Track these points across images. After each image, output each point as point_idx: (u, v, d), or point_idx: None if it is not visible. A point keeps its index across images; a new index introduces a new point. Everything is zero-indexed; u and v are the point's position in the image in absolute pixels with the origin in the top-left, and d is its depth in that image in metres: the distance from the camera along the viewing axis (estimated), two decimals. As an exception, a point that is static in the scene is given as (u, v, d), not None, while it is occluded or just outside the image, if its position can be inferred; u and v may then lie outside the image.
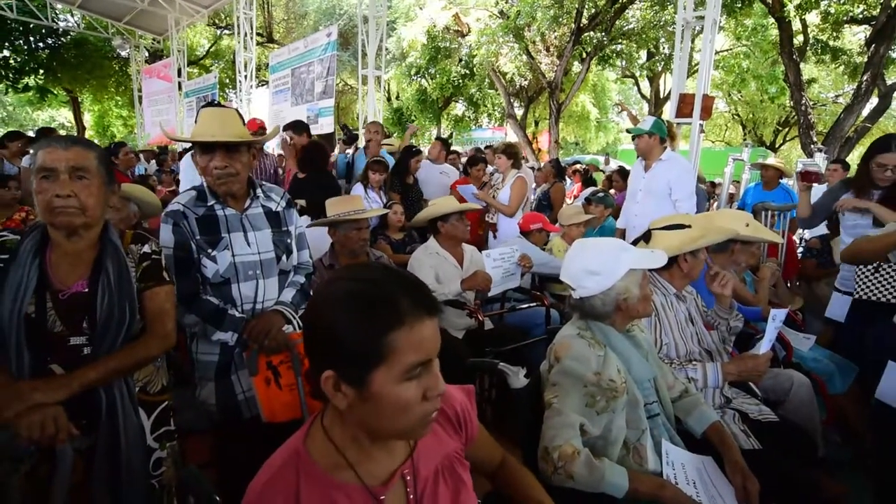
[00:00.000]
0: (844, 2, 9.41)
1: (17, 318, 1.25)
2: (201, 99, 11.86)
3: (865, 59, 9.73)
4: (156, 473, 1.46)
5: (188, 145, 3.85)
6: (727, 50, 14.52)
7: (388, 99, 17.82)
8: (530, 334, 2.98)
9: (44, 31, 15.18)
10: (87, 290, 1.34)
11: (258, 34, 14.12)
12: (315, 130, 8.29)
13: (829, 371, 2.38)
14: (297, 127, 4.46)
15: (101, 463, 1.32)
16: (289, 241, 1.87)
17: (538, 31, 12.35)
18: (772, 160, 4.94)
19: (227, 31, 18.08)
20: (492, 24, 13.32)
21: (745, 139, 18.21)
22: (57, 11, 14.45)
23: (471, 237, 3.24)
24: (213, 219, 1.73)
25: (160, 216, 1.84)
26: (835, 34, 10.88)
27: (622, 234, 3.70)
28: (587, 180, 7.25)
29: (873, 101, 10.11)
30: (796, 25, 10.35)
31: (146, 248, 1.48)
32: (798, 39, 10.76)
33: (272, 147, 7.54)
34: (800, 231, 4.82)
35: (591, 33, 12.24)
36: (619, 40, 13.32)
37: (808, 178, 2.85)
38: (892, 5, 8.66)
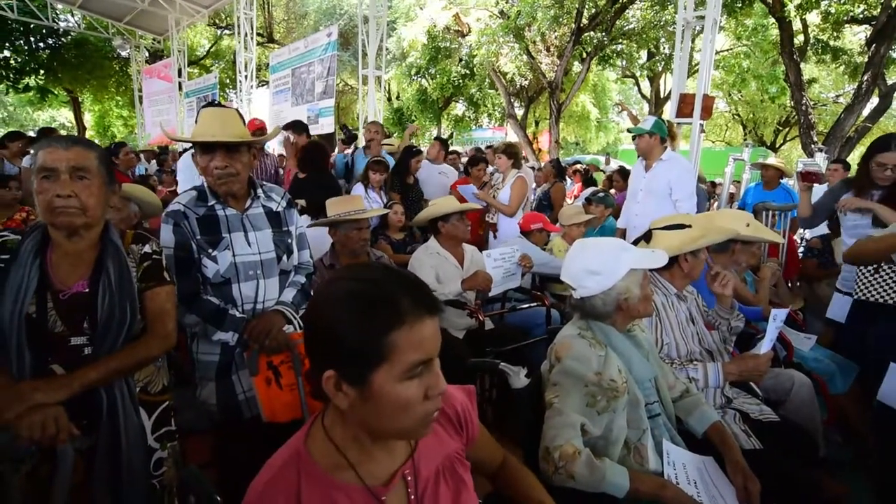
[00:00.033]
0: (845, 2, 9.41)
1: (17, 319, 1.25)
2: (202, 99, 11.87)
3: (866, 59, 9.72)
4: (157, 473, 1.46)
5: (188, 145, 3.85)
6: (727, 50, 14.51)
7: (389, 99, 17.82)
8: (531, 334, 2.98)
9: (44, 31, 15.19)
10: (87, 290, 1.34)
11: (258, 34, 14.12)
12: (315, 130, 8.30)
13: (830, 371, 2.38)
14: (297, 127, 4.47)
15: (102, 463, 1.32)
16: (289, 240, 1.87)
17: (538, 31, 12.35)
18: (772, 160, 4.93)
19: (227, 32, 18.09)
20: (492, 24, 13.31)
21: (745, 139, 18.21)
22: (57, 12, 14.47)
23: (471, 237, 3.24)
24: (213, 219, 1.73)
25: (161, 216, 1.84)
26: (835, 34, 10.87)
27: (622, 234, 3.70)
28: (587, 180, 7.25)
29: (874, 100, 10.11)
30: (797, 25, 10.34)
31: (147, 249, 1.48)
32: (798, 39, 10.75)
33: (273, 147, 7.55)
34: (800, 231, 4.82)
35: (592, 33, 12.23)
36: (620, 40, 13.31)
37: (808, 178, 2.85)
38: (893, 5, 8.65)
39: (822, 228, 3.83)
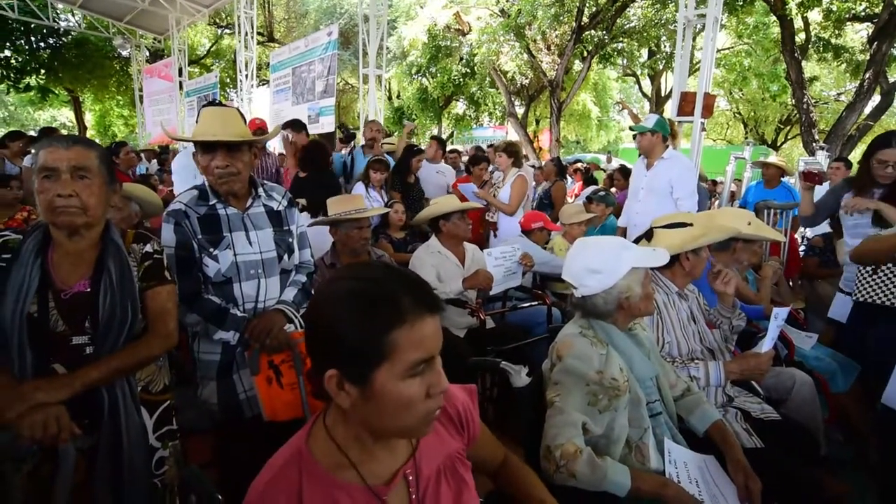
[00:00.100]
0: (846, -1, 9.40)
1: (19, 318, 1.25)
2: (202, 98, 11.87)
3: (867, 57, 9.70)
4: (158, 473, 1.46)
5: (186, 145, 3.85)
6: (729, 48, 14.49)
7: (389, 98, 17.80)
8: (532, 333, 2.98)
9: (45, 30, 15.20)
10: (89, 289, 1.34)
11: (259, 33, 14.11)
12: (316, 129, 8.30)
13: (831, 370, 2.38)
14: (296, 125, 4.47)
15: (104, 462, 1.32)
16: (290, 240, 1.88)
17: (539, 30, 12.33)
18: (773, 158, 4.92)
19: (227, 31, 18.09)
20: (493, 22, 13.29)
21: (746, 137, 18.18)
22: (58, 11, 14.47)
23: (472, 236, 3.24)
24: (214, 218, 1.73)
25: (162, 215, 1.84)
26: (837, 32, 10.84)
27: (623, 233, 3.69)
28: (588, 179, 7.25)
29: (875, 98, 10.09)
30: (798, 23, 10.32)
31: (148, 248, 1.48)
32: (800, 37, 10.73)
33: (273, 146, 7.55)
34: (802, 229, 4.81)
35: (592, 32, 12.21)
36: (621, 38, 13.29)
37: (810, 178, 2.83)
38: (895, 3, 8.63)
39: (824, 227, 3.82)
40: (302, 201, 3.23)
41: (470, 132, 20.04)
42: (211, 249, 1.70)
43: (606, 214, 4.46)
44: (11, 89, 15.89)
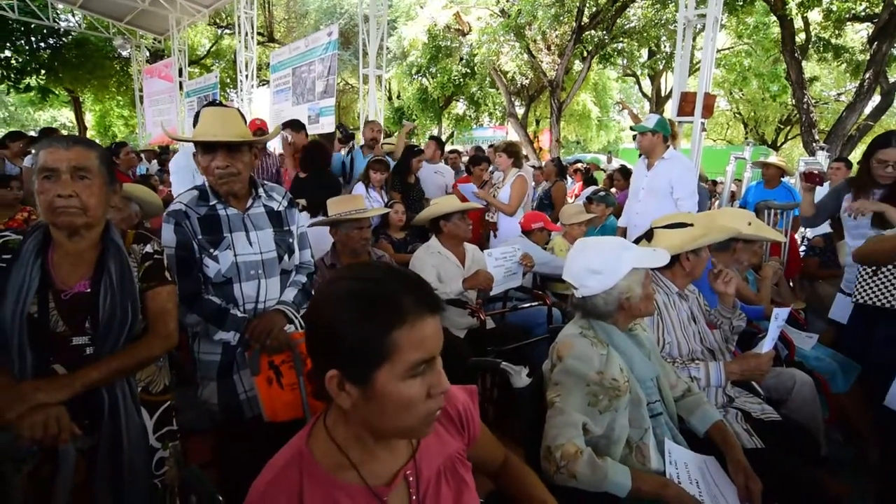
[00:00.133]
0: (846, -1, 9.39)
1: (19, 319, 1.25)
2: (202, 99, 11.87)
3: (868, 57, 9.70)
4: (158, 473, 1.46)
5: (184, 145, 3.84)
6: (729, 48, 14.49)
7: (389, 98, 17.81)
8: (532, 333, 2.98)
9: (45, 31, 15.19)
10: (89, 290, 1.34)
11: (259, 34, 14.12)
12: (316, 130, 8.30)
13: (831, 370, 2.38)
14: (295, 125, 4.47)
15: (104, 463, 1.32)
16: (290, 240, 1.88)
17: (539, 30, 12.33)
18: (773, 159, 4.92)
19: (227, 31, 18.09)
20: (493, 22, 13.29)
21: (746, 138, 18.18)
22: (58, 11, 14.48)
23: (472, 236, 3.24)
24: (215, 218, 1.73)
25: (162, 216, 1.84)
26: (837, 32, 10.84)
27: (623, 233, 3.69)
28: (588, 179, 7.25)
29: (876, 98, 10.09)
30: (798, 23, 10.32)
31: (148, 248, 1.48)
32: (800, 37, 10.73)
33: (274, 146, 7.55)
34: (802, 230, 4.82)
35: (593, 32, 12.21)
36: (621, 39, 13.29)
37: (811, 179, 2.83)
38: (895, 3, 8.62)
39: (824, 227, 3.82)
40: (302, 202, 3.23)
41: (470, 132, 20.03)
42: (211, 250, 1.70)
43: (606, 215, 4.46)
44: (12, 90, 15.90)
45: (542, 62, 13.19)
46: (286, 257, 1.85)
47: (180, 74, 13.10)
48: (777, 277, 3.08)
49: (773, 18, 10.19)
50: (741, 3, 10.13)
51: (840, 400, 2.39)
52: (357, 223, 2.57)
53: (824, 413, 2.23)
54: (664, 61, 14.83)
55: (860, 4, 9.44)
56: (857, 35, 13.23)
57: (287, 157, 4.35)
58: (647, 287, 1.50)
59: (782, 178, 4.68)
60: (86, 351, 1.33)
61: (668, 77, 16.42)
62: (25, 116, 26.17)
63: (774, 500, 1.42)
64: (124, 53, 16.64)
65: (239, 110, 1.93)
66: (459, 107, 18.86)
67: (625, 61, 15.87)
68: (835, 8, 9.56)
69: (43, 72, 16.20)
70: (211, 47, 19.34)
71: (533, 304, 3.19)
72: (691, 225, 2.04)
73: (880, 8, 9.04)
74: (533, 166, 6.76)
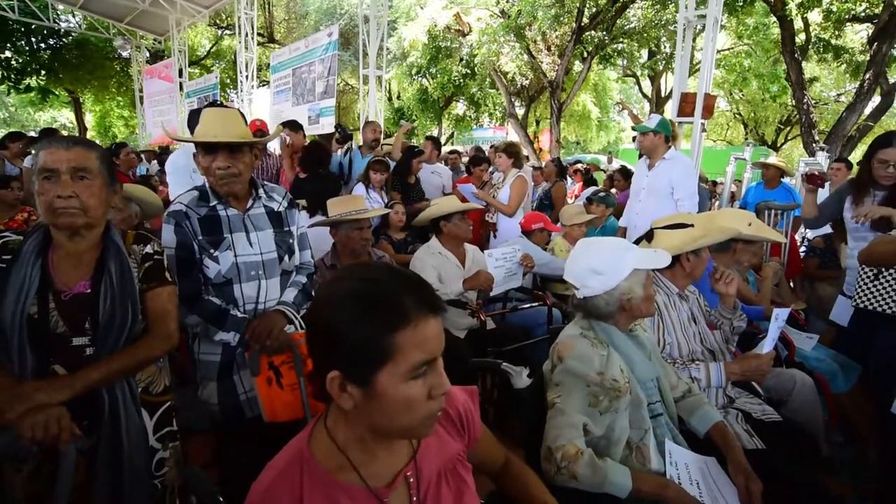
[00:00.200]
0: (846, 0, 9.38)
1: (19, 319, 1.25)
2: (203, 99, 11.87)
3: (868, 58, 9.71)
4: (158, 474, 1.45)
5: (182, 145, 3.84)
6: (729, 49, 14.50)
7: (389, 99, 17.81)
8: (532, 334, 2.98)
9: (45, 31, 15.19)
10: (89, 290, 1.34)
11: (259, 34, 14.11)
12: (317, 130, 8.31)
13: (832, 370, 2.38)
14: (293, 125, 4.47)
15: (104, 463, 1.32)
16: (291, 241, 1.87)
17: (539, 31, 12.33)
18: (773, 159, 4.93)
19: (228, 32, 18.09)
20: (493, 23, 13.30)
21: (746, 138, 18.19)
22: (58, 12, 14.47)
23: (473, 237, 3.24)
24: (215, 219, 1.73)
25: (162, 216, 1.84)
26: (837, 32, 10.84)
27: (624, 233, 3.69)
28: (588, 180, 7.25)
29: (875, 99, 10.09)
30: (798, 24, 10.32)
31: (148, 249, 1.47)
32: (800, 38, 10.73)
33: (274, 147, 7.55)
34: (802, 230, 4.82)
35: (593, 32, 12.22)
36: (621, 39, 13.29)
37: (813, 180, 2.82)
38: (895, 3, 8.63)
39: (825, 228, 3.82)
40: (302, 202, 3.23)
41: (470, 133, 20.04)
42: (211, 250, 1.70)
43: (606, 215, 4.46)
44: (12, 90, 15.90)
45: (542, 63, 13.20)
46: (286, 258, 1.85)
47: (180, 75, 13.10)
48: (777, 278, 3.09)
49: (773, 19, 10.20)
50: (741, 4, 10.14)
51: (840, 400, 2.39)
52: (357, 224, 2.56)
53: (825, 414, 2.23)
54: (664, 62, 14.83)
55: (860, 5, 9.45)
56: (856, 36, 13.24)
57: (285, 157, 4.34)
58: (648, 288, 1.51)
59: (782, 179, 4.68)
60: (86, 351, 1.33)
61: (668, 78, 16.43)
62: (26, 117, 26.19)
63: (774, 501, 1.42)
64: (124, 54, 16.61)
65: (240, 111, 1.93)
66: (459, 107, 18.87)
67: (625, 62, 15.88)
68: (835, 8, 9.56)
69: (43, 72, 16.20)
70: (211, 48, 19.35)
71: (533, 304, 3.18)
72: (691, 225, 2.04)
73: (880, 9, 9.05)
74: (533, 167, 6.75)
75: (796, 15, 9.48)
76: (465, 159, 6.43)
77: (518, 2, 12.46)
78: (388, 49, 11.25)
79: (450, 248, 2.93)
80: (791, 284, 3.94)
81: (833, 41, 11.04)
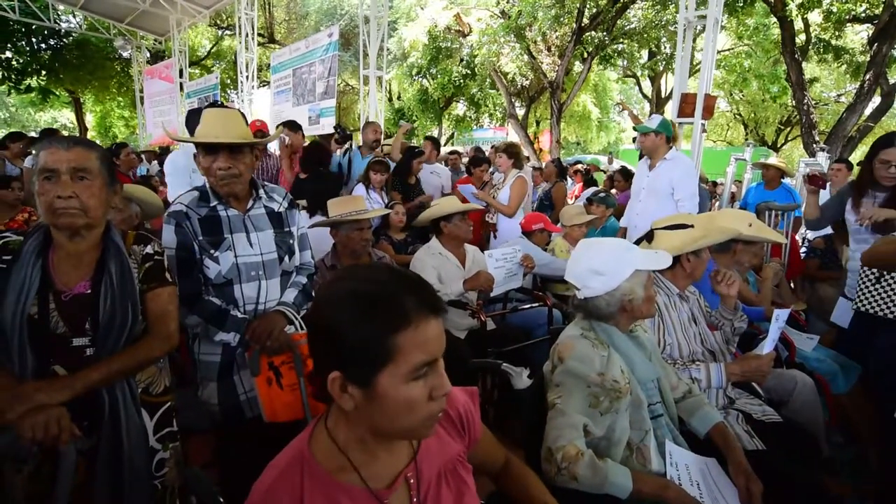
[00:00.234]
0: (846, 1, 9.39)
1: (20, 320, 1.25)
2: (203, 99, 11.88)
3: (868, 58, 9.71)
4: (158, 474, 1.45)
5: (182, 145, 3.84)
6: (729, 49, 14.50)
7: (390, 99, 17.83)
8: (533, 335, 2.98)
9: (46, 32, 15.20)
10: (89, 291, 1.34)
11: (259, 35, 14.13)
12: (317, 130, 8.32)
13: (832, 371, 2.37)
14: (291, 125, 4.47)
15: (104, 464, 1.32)
16: (291, 241, 1.87)
17: (539, 31, 12.34)
18: (773, 160, 4.92)
19: (228, 32, 18.11)
20: (493, 23, 13.31)
21: (746, 139, 18.19)
22: (59, 12, 14.49)
23: (473, 237, 3.24)
24: (215, 219, 1.73)
25: (162, 217, 1.84)
26: (837, 33, 10.85)
27: (624, 233, 3.69)
28: (588, 180, 7.25)
29: (876, 100, 10.09)
30: (798, 24, 10.33)
31: (148, 249, 1.47)
32: (800, 38, 10.74)
33: (274, 147, 7.55)
34: (802, 231, 4.81)
35: (593, 33, 12.23)
36: (621, 40, 13.30)
37: (815, 181, 2.81)
38: (895, 4, 8.63)
39: (826, 228, 3.81)
40: (302, 202, 3.23)
41: (470, 133, 20.05)
42: (212, 251, 1.70)
43: (607, 216, 4.46)
44: (12, 90, 15.91)
45: (542, 63, 13.21)
46: (287, 258, 1.85)
47: (181, 75, 13.11)
48: (778, 279, 3.08)
49: (774, 20, 10.20)
50: (741, 5, 10.14)
51: (841, 401, 2.39)
52: (357, 224, 2.57)
53: (825, 414, 2.23)
54: (664, 62, 14.84)
55: (860, 6, 9.45)
56: (857, 36, 13.24)
57: (283, 157, 4.34)
58: (648, 289, 1.50)
59: (782, 180, 4.68)
60: (86, 352, 1.33)
61: (669, 78, 16.44)
62: (26, 117, 26.21)
63: (775, 502, 1.42)
64: (125, 54, 16.67)
65: (241, 111, 1.93)
66: (460, 108, 18.88)
67: (625, 62, 15.89)
68: (835, 9, 9.57)
69: (44, 73, 16.21)
70: (211, 48, 19.36)
71: (533, 305, 3.18)
72: (691, 226, 2.04)
73: (880, 9, 9.05)
74: (533, 167, 6.76)
75: (796, 15, 9.48)
76: (465, 160, 6.42)
77: (518, 2, 12.47)
78: (388, 49, 11.26)
79: (450, 248, 2.93)
80: (791, 285, 3.94)
81: (833, 42, 11.05)
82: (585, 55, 12.86)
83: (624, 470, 1.32)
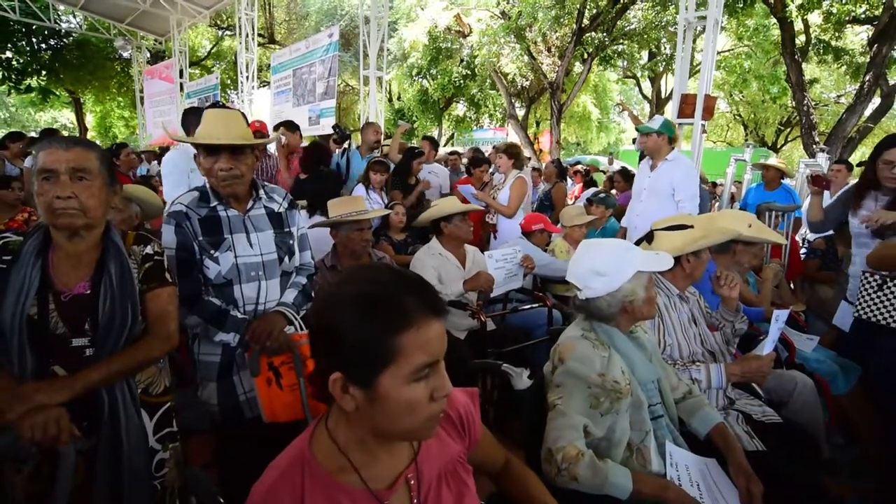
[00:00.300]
0: (846, 2, 9.39)
1: (19, 320, 1.25)
2: (203, 100, 11.88)
3: (868, 60, 9.71)
4: (158, 475, 1.45)
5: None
6: (729, 50, 14.51)
7: (390, 100, 17.83)
8: (533, 335, 2.98)
9: (46, 32, 15.21)
10: (89, 291, 1.34)
11: (260, 35, 14.14)
12: (317, 131, 8.32)
13: (832, 372, 2.37)
14: (290, 125, 4.47)
15: (104, 464, 1.32)
16: (291, 242, 1.87)
17: (539, 32, 12.35)
18: (773, 161, 4.92)
19: (228, 32, 18.13)
20: (493, 24, 13.32)
21: (746, 139, 18.20)
22: (59, 13, 14.50)
23: (473, 238, 3.24)
24: (215, 220, 1.73)
25: (162, 217, 1.84)
26: (837, 34, 10.86)
27: (624, 234, 3.69)
28: (587, 181, 7.25)
29: (876, 101, 10.10)
30: (798, 25, 10.33)
31: (148, 250, 1.47)
32: (800, 39, 10.74)
33: (273, 148, 7.55)
34: (802, 231, 4.81)
35: (593, 34, 12.23)
36: (621, 41, 13.30)
37: (819, 182, 2.80)
38: (895, 5, 8.64)
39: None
40: (302, 202, 3.23)
41: (470, 134, 20.06)
42: (212, 251, 1.70)
43: (607, 217, 4.46)
44: (13, 90, 15.91)
45: (542, 64, 13.21)
46: (286, 259, 1.85)
47: (181, 76, 13.12)
48: (778, 279, 3.08)
49: (774, 21, 10.20)
50: (741, 6, 10.14)
51: (841, 402, 2.38)
52: (357, 224, 2.57)
53: (825, 415, 2.22)
54: (664, 63, 14.85)
55: (860, 7, 9.46)
56: (857, 37, 13.25)
57: (280, 157, 4.34)
58: (649, 290, 1.50)
59: (782, 180, 4.68)
60: (86, 352, 1.33)
61: (669, 79, 16.45)
62: (26, 117, 26.21)
63: (775, 503, 1.42)
64: (125, 55, 16.67)
65: (241, 112, 1.93)
66: (460, 108, 18.88)
67: (625, 63, 15.90)
68: (835, 10, 9.57)
69: (44, 73, 16.21)
70: (212, 49, 19.37)
71: (533, 305, 3.18)
72: (691, 227, 2.04)
73: (880, 10, 9.05)
74: (533, 168, 6.76)
75: (796, 16, 9.49)
76: (465, 160, 6.42)
77: (518, 3, 12.47)
78: (388, 50, 11.26)
79: (450, 249, 2.93)
80: (791, 286, 3.94)
81: (833, 43, 11.05)
82: (585, 56, 12.85)
83: (624, 471, 1.32)
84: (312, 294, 1.92)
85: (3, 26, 13.85)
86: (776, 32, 10.56)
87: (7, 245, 1.31)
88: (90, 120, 21.11)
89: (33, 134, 8.14)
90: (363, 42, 8.51)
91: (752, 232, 2.33)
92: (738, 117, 19.88)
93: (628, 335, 1.53)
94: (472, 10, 13.84)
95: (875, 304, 2.25)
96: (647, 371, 1.50)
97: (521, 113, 15.79)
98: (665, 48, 14.07)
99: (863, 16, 9.76)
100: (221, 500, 1.07)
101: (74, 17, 16.07)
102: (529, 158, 9.56)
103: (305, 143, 5.09)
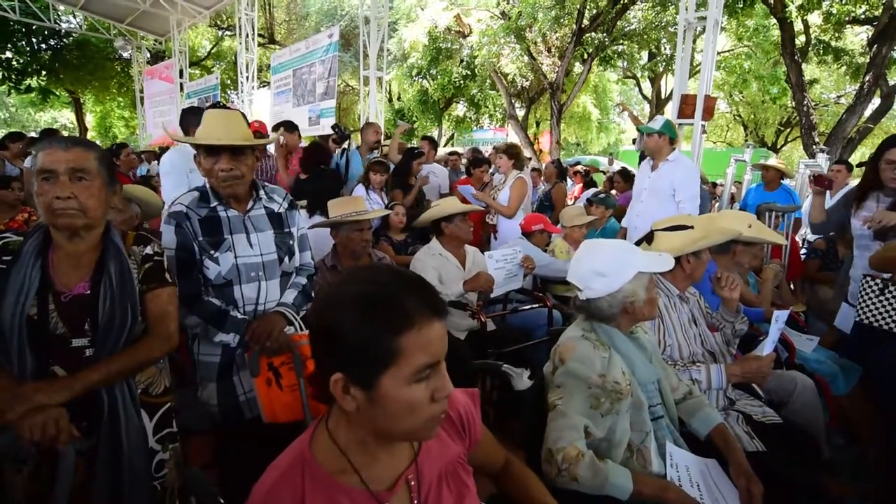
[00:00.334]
0: (846, 2, 9.39)
1: (19, 320, 1.25)
2: (203, 100, 11.87)
3: (867, 60, 9.71)
4: (158, 475, 1.45)
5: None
6: (729, 51, 14.51)
7: (390, 100, 17.83)
8: (533, 335, 2.98)
9: (46, 32, 15.20)
10: (89, 291, 1.34)
11: (260, 35, 14.14)
12: (317, 131, 8.32)
13: (832, 372, 2.37)
14: (289, 126, 4.47)
15: (104, 465, 1.32)
16: (291, 242, 1.87)
17: (539, 32, 12.34)
18: (773, 161, 4.92)
19: (228, 33, 18.12)
20: (493, 24, 13.31)
21: (746, 140, 18.20)
22: (59, 13, 14.50)
23: (473, 238, 3.24)
24: (215, 220, 1.73)
25: (162, 217, 1.83)
26: (837, 35, 10.85)
27: (624, 234, 3.69)
28: (587, 182, 7.25)
29: (875, 101, 10.10)
30: (798, 26, 10.33)
31: (148, 250, 1.47)
32: (800, 40, 10.74)
33: (271, 148, 7.55)
34: (802, 232, 4.81)
35: (593, 34, 12.22)
36: (621, 41, 13.29)
37: (821, 182, 2.80)
38: (895, 6, 8.64)
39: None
40: (302, 202, 3.23)
41: (470, 134, 20.06)
42: (212, 251, 1.70)
43: (607, 217, 4.46)
44: (12, 90, 15.90)
45: (542, 64, 13.21)
46: (286, 259, 1.85)
47: (181, 76, 13.11)
48: (778, 280, 3.08)
49: (773, 21, 10.20)
50: (741, 6, 10.14)
51: (841, 402, 2.38)
52: (357, 225, 2.57)
53: (825, 416, 2.22)
54: (664, 64, 14.84)
55: (860, 7, 9.45)
56: (856, 38, 13.25)
57: (279, 157, 4.33)
58: (650, 291, 1.50)
59: (782, 181, 4.68)
60: (85, 353, 1.33)
61: (669, 79, 16.44)
62: (26, 117, 26.21)
63: (775, 503, 1.42)
64: (125, 55, 16.67)
65: (242, 112, 1.93)
66: (460, 109, 18.88)
67: (625, 63, 15.90)
68: (835, 11, 9.57)
69: (44, 73, 16.20)
70: (212, 49, 19.37)
71: (534, 306, 3.18)
72: (691, 227, 2.04)
73: (880, 11, 9.06)
74: (533, 168, 6.76)
75: (796, 17, 9.49)
76: (465, 160, 6.42)
77: (518, 3, 12.47)
78: (388, 50, 11.26)
79: (450, 249, 2.93)
80: (791, 286, 3.94)
81: (833, 43, 11.05)
82: (585, 56, 12.85)
83: (624, 471, 1.32)
84: (312, 294, 1.92)
85: (3, 26, 13.84)
86: (776, 33, 10.56)
87: (7, 245, 1.31)
88: (90, 120, 21.11)
89: (33, 134, 8.14)
90: (363, 42, 8.51)
91: (752, 232, 2.33)
92: (737, 118, 19.89)
93: (629, 336, 1.53)
94: (472, 11, 13.84)
95: (876, 308, 2.24)
96: (647, 372, 1.50)
97: (521, 113, 15.79)
98: (665, 48, 14.06)
99: (863, 16, 9.76)
100: (221, 501, 1.07)
101: (74, 17, 16.07)
102: (529, 159, 9.56)
103: (305, 144, 5.09)
